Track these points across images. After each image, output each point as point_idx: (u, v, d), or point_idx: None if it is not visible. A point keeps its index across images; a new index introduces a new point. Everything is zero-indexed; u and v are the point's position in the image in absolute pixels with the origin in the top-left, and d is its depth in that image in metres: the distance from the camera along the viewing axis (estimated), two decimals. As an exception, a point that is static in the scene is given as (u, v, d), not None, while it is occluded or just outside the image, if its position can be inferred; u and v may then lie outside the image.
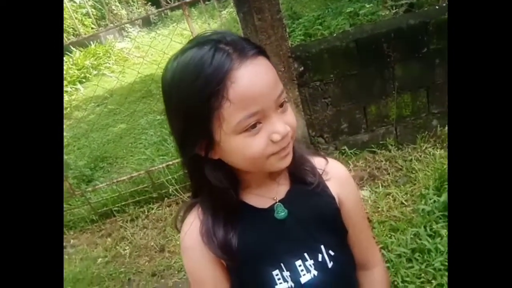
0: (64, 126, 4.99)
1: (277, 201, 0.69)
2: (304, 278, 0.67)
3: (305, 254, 0.68)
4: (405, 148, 2.51)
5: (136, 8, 10.32)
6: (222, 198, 0.65)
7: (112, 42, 8.67)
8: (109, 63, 7.59)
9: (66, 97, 6.27)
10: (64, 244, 2.72)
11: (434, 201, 1.97)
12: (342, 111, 2.49)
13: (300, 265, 0.67)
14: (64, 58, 6.99)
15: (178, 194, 2.71)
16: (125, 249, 2.50)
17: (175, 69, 0.57)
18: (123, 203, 2.82)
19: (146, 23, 10.77)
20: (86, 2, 6.00)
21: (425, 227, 1.85)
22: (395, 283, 1.66)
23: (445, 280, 1.59)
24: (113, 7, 9.60)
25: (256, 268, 0.67)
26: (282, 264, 0.67)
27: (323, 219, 0.70)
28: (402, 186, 2.23)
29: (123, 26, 9.04)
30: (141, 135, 4.25)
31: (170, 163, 2.76)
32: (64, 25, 6.47)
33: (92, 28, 7.79)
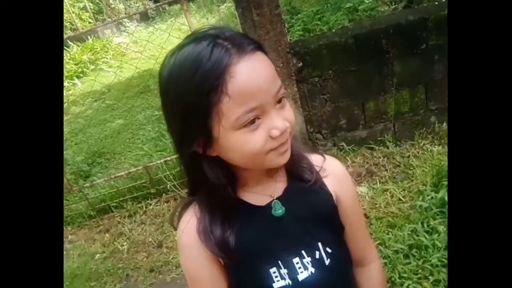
0: (62, 121, 4.96)
1: (275, 198, 0.68)
2: (302, 276, 0.67)
3: (303, 252, 0.68)
4: (403, 144, 2.51)
5: (134, 2, 10.27)
6: (220, 196, 0.64)
7: (110, 36, 8.61)
8: (107, 58, 7.55)
9: (63, 92, 6.24)
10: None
11: (432, 197, 1.98)
12: (341, 107, 2.48)
13: (297, 263, 0.67)
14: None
15: (176, 190, 2.71)
16: (123, 245, 2.50)
17: (172, 65, 0.57)
18: (121, 199, 2.82)
19: (144, 17, 10.71)
20: (83, -4, 5.96)
21: (422, 223, 1.86)
22: (392, 279, 1.67)
23: (442, 276, 1.60)
24: (111, 1, 9.55)
25: (253, 266, 0.67)
26: (279, 262, 0.67)
27: (320, 216, 0.70)
28: (399, 183, 2.23)
29: (120, 20, 8.97)
30: (139, 131, 4.24)
31: (168, 158, 2.75)
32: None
33: (89, 22, 7.75)
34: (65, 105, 5.78)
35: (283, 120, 0.58)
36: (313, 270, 0.67)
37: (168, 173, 2.70)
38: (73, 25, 6.69)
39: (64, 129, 4.73)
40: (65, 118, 5.30)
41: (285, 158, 0.62)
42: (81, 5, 7.82)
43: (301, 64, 2.34)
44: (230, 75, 0.53)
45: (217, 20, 7.31)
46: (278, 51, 2.22)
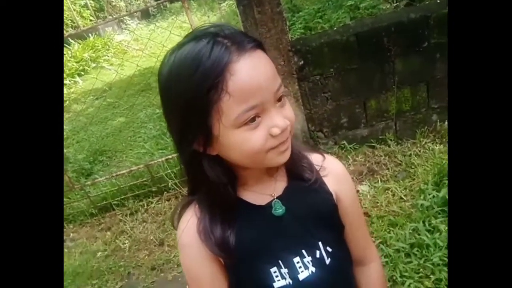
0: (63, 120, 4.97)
1: (275, 197, 0.68)
2: (302, 275, 0.67)
3: (303, 251, 0.68)
4: (404, 143, 2.51)
5: (135, 0, 10.25)
6: (220, 195, 0.64)
7: (111, 34, 8.60)
8: (108, 56, 7.54)
9: (64, 90, 6.24)
10: (63, 237, 2.73)
11: (433, 196, 1.98)
12: (342, 105, 2.48)
13: (298, 262, 0.67)
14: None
15: (178, 188, 2.71)
16: (125, 243, 2.50)
17: (172, 64, 0.57)
18: (122, 197, 2.82)
19: (145, 15, 10.69)
20: (85, -7, 5.95)
21: (424, 222, 1.85)
22: (394, 278, 1.67)
23: (443, 275, 1.60)
24: (112, -1, 9.53)
25: (253, 266, 0.67)
26: (280, 261, 0.67)
27: (320, 215, 0.70)
28: (401, 181, 2.23)
29: (122, 18, 8.97)
30: (140, 129, 4.24)
31: (170, 157, 2.75)
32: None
33: (90, 20, 7.74)
34: (66, 103, 5.79)
35: (284, 118, 0.58)
36: (313, 269, 0.67)
37: (169, 171, 2.70)
38: (74, 22, 6.68)
39: (65, 127, 4.74)
40: (66, 116, 5.31)
41: (285, 156, 0.61)
42: (82, 2, 7.81)
43: (302, 62, 2.33)
44: (230, 73, 0.53)
45: (218, 18, 7.29)
46: (279, 49, 2.21)
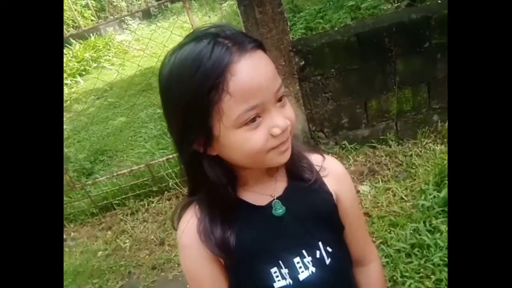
0: (64, 119, 4.98)
1: (275, 198, 0.68)
2: (303, 275, 0.67)
3: (303, 251, 0.68)
4: (405, 143, 2.50)
5: (136, 0, 10.26)
6: (220, 195, 0.64)
7: (112, 34, 8.61)
8: (109, 56, 7.55)
9: (66, 90, 6.25)
10: (64, 237, 2.74)
11: (434, 196, 1.98)
12: (343, 105, 2.48)
13: (298, 262, 0.67)
14: (64, 50, 6.96)
15: (178, 188, 2.71)
16: (125, 242, 2.51)
17: (173, 64, 0.57)
18: (123, 197, 2.83)
19: (146, 15, 10.70)
20: (86, -7, 5.96)
21: (424, 222, 1.85)
22: (394, 278, 1.67)
23: (444, 275, 1.60)
24: (113, -1, 9.54)
25: (254, 266, 0.67)
26: (280, 261, 0.67)
27: (320, 215, 0.70)
28: (402, 181, 2.23)
29: (123, 18, 8.98)
30: (141, 129, 4.25)
31: (170, 156, 2.76)
32: (63, 17, 6.43)
33: (91, 20, 7.75)
34: (67, 103, 5.80)
35: (284, 118, 0.58)
36: (313, 269, 0.67)
37: (170, 171, 2.70)
38: (75, 22, 6.69)
39: (66, 127, 4.75)
40: (67, 116, 5.32)
41: (286, 157, 0.61)
42: (83, 2, 7.82)
43: (303, 62, 2.33)
44: (231, 73, 0.53)
45: (219, 18, 7.30)
46: (280, 49, 2.22)
